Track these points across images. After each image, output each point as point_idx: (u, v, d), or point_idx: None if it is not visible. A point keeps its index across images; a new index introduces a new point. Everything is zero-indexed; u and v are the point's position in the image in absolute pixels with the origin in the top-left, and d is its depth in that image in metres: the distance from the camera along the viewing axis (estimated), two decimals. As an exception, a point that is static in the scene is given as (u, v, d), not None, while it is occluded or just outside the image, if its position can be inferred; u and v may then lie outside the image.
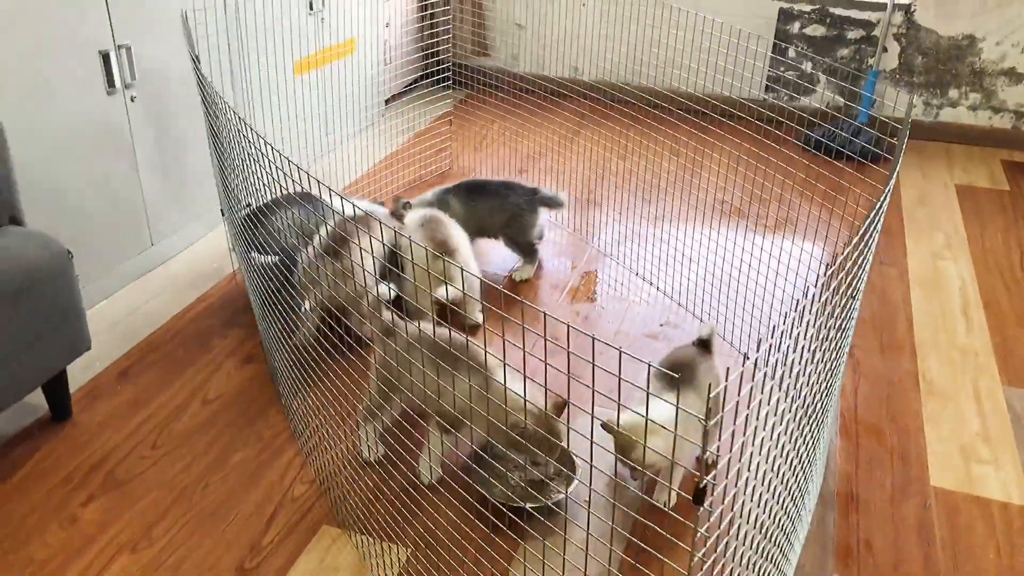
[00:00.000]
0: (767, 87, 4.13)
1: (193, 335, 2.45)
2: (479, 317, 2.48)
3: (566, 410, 1.74)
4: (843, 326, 1.37)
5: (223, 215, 2.62)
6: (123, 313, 2.54)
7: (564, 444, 1.76)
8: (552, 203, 2.78)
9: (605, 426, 1.71)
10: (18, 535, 1.75)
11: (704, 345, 1.92)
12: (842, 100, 4.06)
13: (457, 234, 2.44)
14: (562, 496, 1.83)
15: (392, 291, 1.85)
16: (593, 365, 0.84)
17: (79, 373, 2.24)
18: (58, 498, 1.85)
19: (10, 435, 2.03)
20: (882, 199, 1.31)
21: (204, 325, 2.50)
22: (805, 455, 1.39)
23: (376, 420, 1.95)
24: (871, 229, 1.27)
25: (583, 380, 2.24)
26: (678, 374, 1.83)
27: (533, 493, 1.81)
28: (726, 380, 0.81)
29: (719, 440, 1.97)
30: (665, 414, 1.67)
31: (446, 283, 2.25)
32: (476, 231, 2.74)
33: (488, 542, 1.75)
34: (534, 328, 2.52)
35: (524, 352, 1.20)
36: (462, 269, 1.49)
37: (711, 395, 0.89)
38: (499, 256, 2.90)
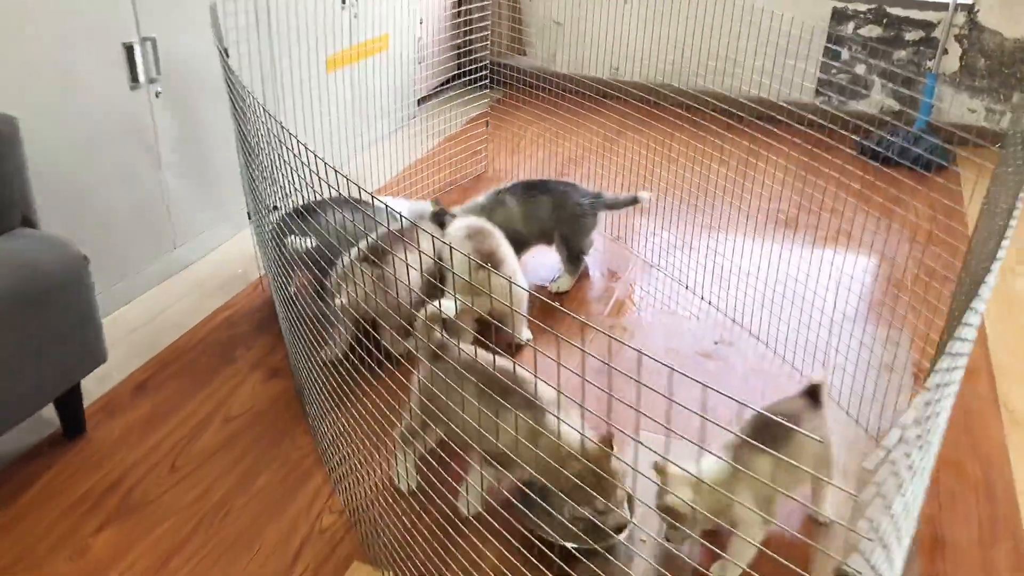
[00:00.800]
0: (817, 91, 3.94)
1: (216, 345, 2.31)
2: (526, 335, 2.32)
3: (614, 445, 1.57)
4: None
5: (250, 218, 2.47)
6: (142, 320, 2.40)
7: (625, 487, 1.59)
8: (617, 204, 2.63)
9: (657, 467, 1.55)
10: (24, 564, 1.61)
11: (813, 395, 1.67)
12: (898, 105, 3.85)
13: (505, 246, 2.28)
14: (616, 540, 1.65)
15: (443, 309, 1.68)
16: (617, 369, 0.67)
17: (94, 385, 2.11)
18: (68, 524, 1.71)
19: (19, 453, 1.89)
20: (1009, 225, 1.13)
21: (228, 335, 2.35)
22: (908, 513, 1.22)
23: (413, 447, 1.79)
24: (990, 274, 1.08)
25: (630, 402, 2.07)
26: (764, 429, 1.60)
27: (584, 535, 1.64)
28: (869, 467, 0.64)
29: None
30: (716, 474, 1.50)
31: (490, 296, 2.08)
32: (536, 232, 2.58)
33: (535, 586, 1.59)
34: (576, 344, 2.35)
35: (558, 365, 1.03)
36: (510, 282, 1.33)
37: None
38: (541, 267, 2.74)
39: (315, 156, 1.36)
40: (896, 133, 3.64)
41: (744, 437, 1.55)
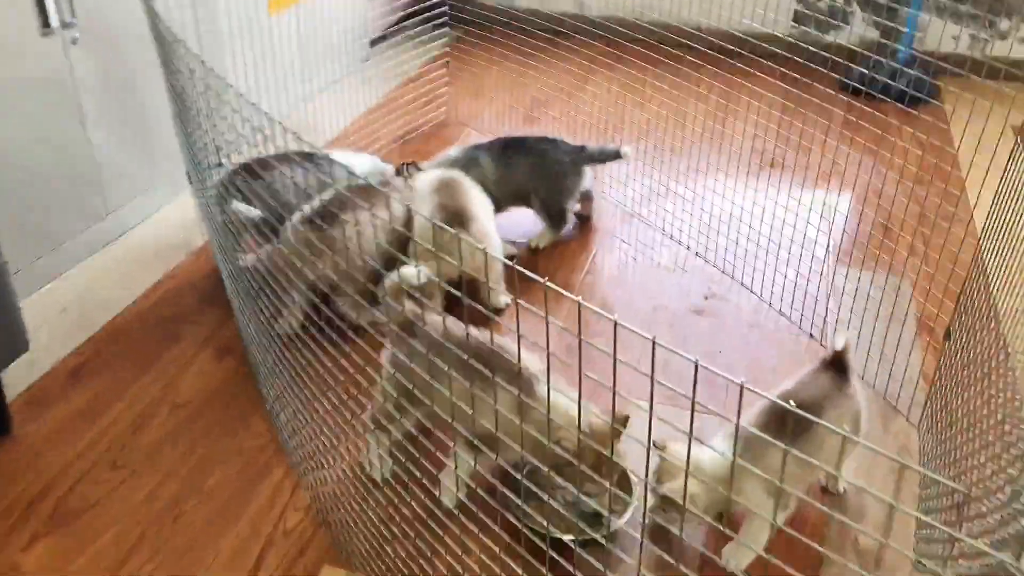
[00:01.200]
0: (795, 21, 3.73)
1: (158, 323, 2.08)
2: (503, 300, 2.12)
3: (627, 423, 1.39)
4: None
5: (189, 180, 2.22)
6: (73, 298, 2.15)
7: (624, 465, 1.43)
8: (603, 157, 2.42)
9: (657, 445, 1.38)
10: (-59, 593, 1.40)
11: (838, 366, 1.50)
12: (878, 35, 3.66)
13: (478, 201, 2.06)
14: (618, 525, 1.49)
15: (422, 275, 1.47)
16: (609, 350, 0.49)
17: (20, 373, 1.86)
18: (-7, 539, 1.50)
19: (-66, 457, 1.66)
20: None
21: (171, 310, 2.12)
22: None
23: (385, 431, 1.59)
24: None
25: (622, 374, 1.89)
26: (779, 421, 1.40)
27: (581, 524, 1.47)
28: None
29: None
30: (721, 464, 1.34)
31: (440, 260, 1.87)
32: (512, 196, 2.36)
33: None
34: (551, 309, 2.16)
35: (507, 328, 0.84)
36: (474, 243, 1.15)
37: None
38: (521, 223, 2.52)
39: (254, 106, 1.14)
40: (878, 66, 3.46)
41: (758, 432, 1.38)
